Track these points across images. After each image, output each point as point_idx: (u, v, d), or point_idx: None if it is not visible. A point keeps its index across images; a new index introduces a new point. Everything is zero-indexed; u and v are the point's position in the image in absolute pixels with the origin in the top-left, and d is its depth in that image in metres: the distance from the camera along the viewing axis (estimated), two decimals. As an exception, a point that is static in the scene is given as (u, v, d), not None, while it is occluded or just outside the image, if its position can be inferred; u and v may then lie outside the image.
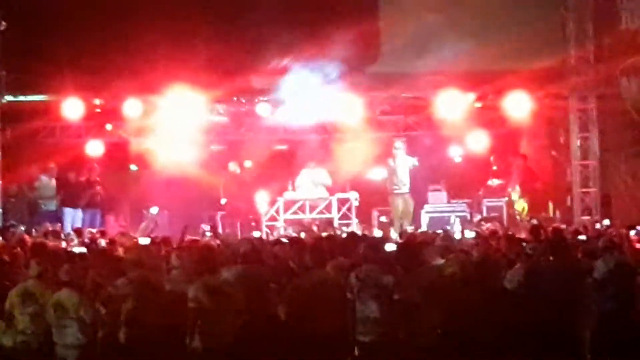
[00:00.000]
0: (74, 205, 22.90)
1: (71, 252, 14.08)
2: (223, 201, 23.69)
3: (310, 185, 23.47)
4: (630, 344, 9.26)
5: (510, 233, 17.12)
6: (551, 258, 10.61)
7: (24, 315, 10.49)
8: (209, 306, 9.90)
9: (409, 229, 20.67)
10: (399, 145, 23.07)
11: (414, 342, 9.97)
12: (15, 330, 10.50)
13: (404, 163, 22.74)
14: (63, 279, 10.45)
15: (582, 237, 14.40)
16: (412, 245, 12.66)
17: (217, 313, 9.92)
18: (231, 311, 10.01)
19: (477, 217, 23.30)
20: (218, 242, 16.19)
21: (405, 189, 22.60)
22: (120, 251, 14.23)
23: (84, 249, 14.50)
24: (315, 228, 20.93)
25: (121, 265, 11.14)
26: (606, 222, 20.93)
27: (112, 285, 10.55)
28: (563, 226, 20.73)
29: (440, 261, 10.94)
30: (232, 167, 23.95)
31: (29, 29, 22.23)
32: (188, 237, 17.47)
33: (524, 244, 13.06)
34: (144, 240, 15.25)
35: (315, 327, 9.99)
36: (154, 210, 23.68)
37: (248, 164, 25.20)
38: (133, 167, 25.97)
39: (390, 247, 11.59)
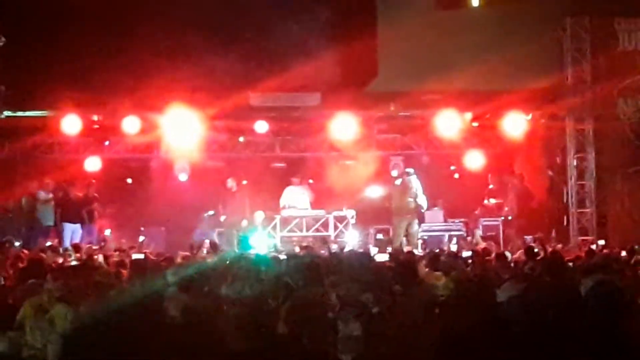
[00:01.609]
0: (73, 221, 22.91)
1: (68, 266, 14.09)
2: (222, 218, 23.71)
3: (297, 202, 23.55)
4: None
5: (503, 252, 17.12)
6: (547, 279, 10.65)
7: (34, 329, 10.43)
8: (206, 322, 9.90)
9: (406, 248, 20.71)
10: (411, 171, 23.09)
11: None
12: (25, 342, 10.43)
13: (417, 187, 22.76)
14: (55, 295, 10.43)
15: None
16: (409, 264, 12.68)
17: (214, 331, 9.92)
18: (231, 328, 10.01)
19: (477, 233, 23.34)
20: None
21: (412, 211, 22.64)
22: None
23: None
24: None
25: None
26: (601, 242, 21.00)
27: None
28: (559, 246, 20.88)
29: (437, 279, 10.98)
30: (230, 183, 23.99)
31: (28, 44, 22.28)
32: (182, 253, 17.50)
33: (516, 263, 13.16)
34: (138, 256, 15.29)
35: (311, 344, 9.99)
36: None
37: (245, 181, 25.26)
38: (129, 180, 26.09)
39: (381, 257, 11.60)
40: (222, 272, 11.05)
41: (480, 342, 9.72)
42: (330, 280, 10.85)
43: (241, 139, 25.46)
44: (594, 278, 10.46)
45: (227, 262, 11.55)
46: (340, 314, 10.12)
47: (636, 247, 16.75)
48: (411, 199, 22.56)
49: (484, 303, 10.05)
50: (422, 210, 22.99)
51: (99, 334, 9.69)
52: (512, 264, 14.21)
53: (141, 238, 23.60)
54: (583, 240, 22.63)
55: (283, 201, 23.68)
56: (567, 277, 10.78)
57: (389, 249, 20.72)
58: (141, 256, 15.27)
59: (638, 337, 9.38)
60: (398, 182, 23.13)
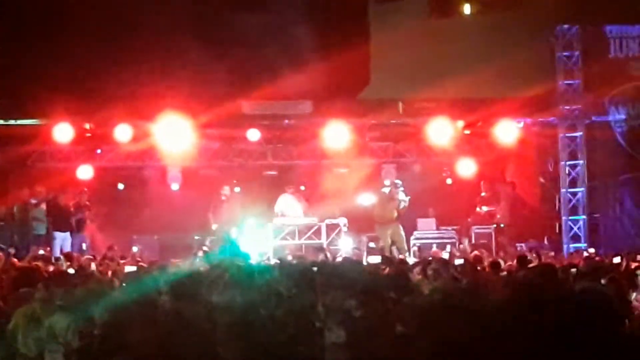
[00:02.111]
0: (64, 229, 22.87)
1: (63, 274, 14.05)
2: (214, 227, 23.68)
3: (291, 210, 23.55)
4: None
5: (496, 260, 17.12)
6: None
7: (27, 339, 10.35)
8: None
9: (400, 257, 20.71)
10: (399, 183, 23.14)
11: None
12: (17, 351, 10.36)
13: (402, 200, 22.80)
14: (57, 303, 10.39)
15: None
16: (402, 271, 12.69)
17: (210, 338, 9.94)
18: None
19: (466, 242, 23.39)
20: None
21: (394, 220, 22.67)
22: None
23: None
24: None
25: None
26: (591, 250, 21.05)
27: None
28: (552, 253, 20.90)
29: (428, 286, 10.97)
30: (226, 191, 24.01)
31: (20, 53, 22.25)
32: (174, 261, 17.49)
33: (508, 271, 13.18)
34: (130, 268, 15.25)
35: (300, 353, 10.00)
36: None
37: (237, 189, 25.29)
38: (120, 186, 26.10)
39: (373, 259, 11.59)
40: (214, 280, 11.00)
41: (470, 350, 9.76)
42: (321, 289, 10.84)
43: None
44: (584, 284, 10.51)
45: (219, 269, 11.48)
46: (326, 321, 10.15)
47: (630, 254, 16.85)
48: (394, 210, 22.58)
49: (474, 311, 10.07)
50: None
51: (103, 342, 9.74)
52: (504, 272, 14.21)
53: (135, 248, 23.54)
54: (576, 250, 22.69)
55: (277, 209, 23.65)
56: (560, 283, 10.79)
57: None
58: (134, 268, 15.20)
59: (624, 340, 9.44)
60: (385, 190, 23.15)
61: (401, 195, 22.69)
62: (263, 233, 23.05)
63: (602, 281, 11.39)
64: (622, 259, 16.51)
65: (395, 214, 22.54)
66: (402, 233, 22.59)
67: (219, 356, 9.79)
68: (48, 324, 10.16)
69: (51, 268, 16.49)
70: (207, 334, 9.94)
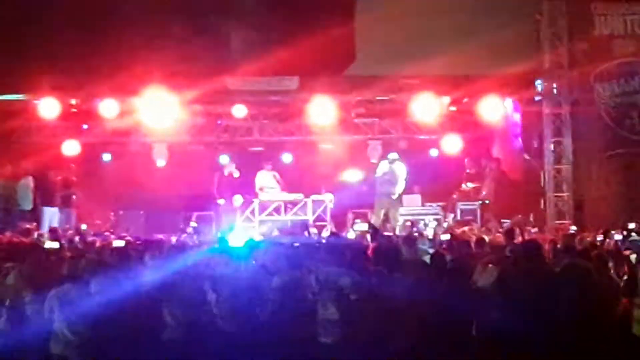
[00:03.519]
0: (51, 205, 22.88)
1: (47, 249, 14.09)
2: (221, 202, 23.75)
3: (270, 186, 23.60)
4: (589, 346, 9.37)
5: (481, 236, 17.19)
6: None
7: None
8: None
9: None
10: (396, 156, 23.26)
11: (389, 344, 9.99)
12: None
13: (401, 174, 22.96)
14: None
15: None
16: (393, 246, 12.74)
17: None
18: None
19: (450, 217, 23.49)
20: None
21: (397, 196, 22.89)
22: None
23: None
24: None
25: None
26: (573, 228, 21.15)
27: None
28: (535, 230, 21.00)
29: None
30: (226, 164, 24.15)
31: (4, 28, 22.16)
32: (159, 237, 17.55)
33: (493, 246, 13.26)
34: (119, 242, 15.28)
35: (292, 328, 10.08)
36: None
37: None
38: (106, 156, 26.14)
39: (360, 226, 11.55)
40: (202, 273, 11.04)
41: (460, 327, 9.85)
42: (309, 265, 10.89)
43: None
44: (566, 260, 10.60)
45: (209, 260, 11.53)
46: (319, 297, 10.21)
47: (612, 231, 16.92)
48: (395, 190, 22.80)
49: (461, 287, 10.17)
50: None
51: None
52: (489, 247, 14.28)
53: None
54: (560, 224, 22.82)
55: (258, 184, 23.66)
56: (543, 261, 10.86)
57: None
58: (122, 243, 15.22)
59: (603, 314, 9.56)
60: (384, 167, 23.24)
61: (400, 170, 22.92)
62: (249, 209, 23.10)
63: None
64: (604, 235, 16.60)
65: (396, 196, 22.78)
66: (397, 214, 22.74)
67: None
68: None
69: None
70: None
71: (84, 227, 22.34)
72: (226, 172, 24.03)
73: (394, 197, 23.09)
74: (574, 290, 9.37)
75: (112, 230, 22.37)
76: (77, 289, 9.87)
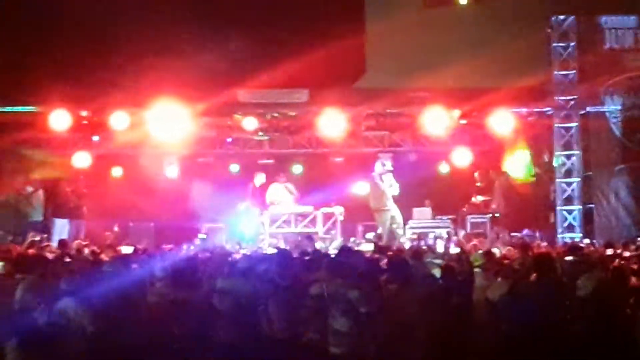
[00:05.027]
0: (62, 216, 22.92)
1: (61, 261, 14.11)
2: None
3: (282, 199, 23.59)
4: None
5: (491, 250, 17.16)
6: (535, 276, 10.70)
7: None
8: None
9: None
10: (390, 166, 23.20)
11: (400, 356, 9.98)
12: None
13: (393, 185, 22.88)
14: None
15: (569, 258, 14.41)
16: (402, 259, 12.73)
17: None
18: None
19: (462, 233, 23.42)
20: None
21: (393, 205, 22.76)
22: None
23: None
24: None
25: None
26: (586, 241, 21.10)
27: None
28: (544, 244, 20.95)
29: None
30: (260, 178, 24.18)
31: (15, 40, 22.24)
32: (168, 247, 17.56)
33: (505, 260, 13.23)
34: (127, 249, 15.31)
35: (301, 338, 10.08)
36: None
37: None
38: (117, 171, 26.17)
39: (366, 247, 11.60)
40: (219, 265, 11.07)
41: (471, 339, 9.85)
42: (315, 277, 10.90)
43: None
44: (588, 277, 10.56)
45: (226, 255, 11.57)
46: (328, 309, 10.21)
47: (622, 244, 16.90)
48: (389, 199, 22.70)
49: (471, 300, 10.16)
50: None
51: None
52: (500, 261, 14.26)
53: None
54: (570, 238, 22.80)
55: (268, 198, 23.68)
56: (555, 273, 10.84)
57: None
58: (130, 249, 15.27)
59: (618, 328, 9.54)
60: (378, 181, 23.17)
61: (388, 182, 22.79)
62: (259, 219, 23.14)
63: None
64: (614, 249, 16.54)
65: (391, 202, 22.65)
66: (400, 215, 22.65)
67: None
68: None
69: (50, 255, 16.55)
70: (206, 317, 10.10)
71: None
72: (258, 184, 23.99)
73: (373, 207, 22.92)
74: (588, 303, 9.37)
75: (118, 242, 22.39)
76: (78, 302, 9.85)
